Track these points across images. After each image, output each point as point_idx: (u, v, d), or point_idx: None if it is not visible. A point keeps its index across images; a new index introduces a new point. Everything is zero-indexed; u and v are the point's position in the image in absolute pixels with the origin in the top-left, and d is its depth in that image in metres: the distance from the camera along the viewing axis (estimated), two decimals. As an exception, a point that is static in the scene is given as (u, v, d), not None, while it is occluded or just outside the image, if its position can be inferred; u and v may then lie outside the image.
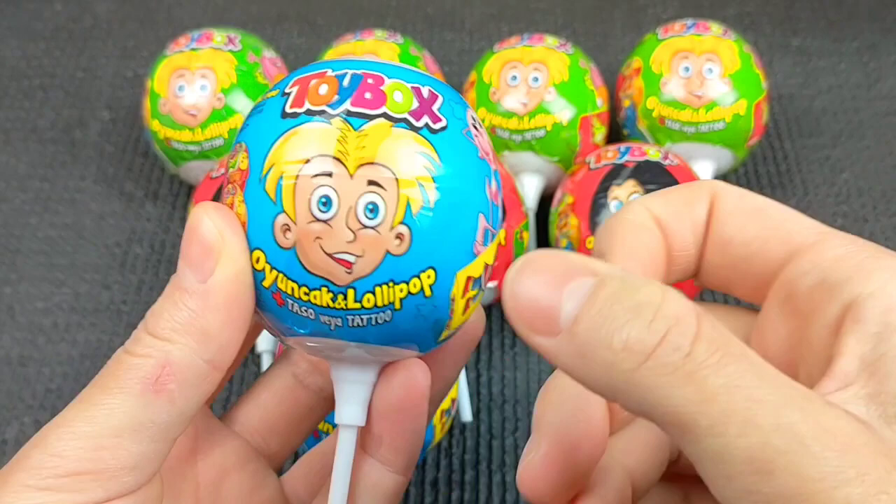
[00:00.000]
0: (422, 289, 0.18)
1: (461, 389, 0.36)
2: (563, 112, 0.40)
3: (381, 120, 0.17)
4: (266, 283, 0.18)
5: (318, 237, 0.17)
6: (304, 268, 0.18)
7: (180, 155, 0.41)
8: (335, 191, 0.17)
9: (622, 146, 0.38)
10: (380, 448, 0.21)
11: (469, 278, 0.18)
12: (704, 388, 0.13)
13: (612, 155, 0.38)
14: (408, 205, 0.17)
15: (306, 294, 0.18)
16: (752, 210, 0.19)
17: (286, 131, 0.17)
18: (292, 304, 0.18)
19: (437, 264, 0.18)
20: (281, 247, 0.17)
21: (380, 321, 0.18)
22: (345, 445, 0.20)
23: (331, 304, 0.18)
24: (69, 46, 0.53)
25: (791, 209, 0.19)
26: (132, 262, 0.42)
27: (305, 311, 0.18)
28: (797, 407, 0.14)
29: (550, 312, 0.15)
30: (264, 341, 0.36)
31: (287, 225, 0.17)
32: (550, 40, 0.43)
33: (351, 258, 0.17)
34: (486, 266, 0.19)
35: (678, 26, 0.43)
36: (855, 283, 0.16)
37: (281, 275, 0.18)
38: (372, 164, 0.17)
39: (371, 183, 0.17)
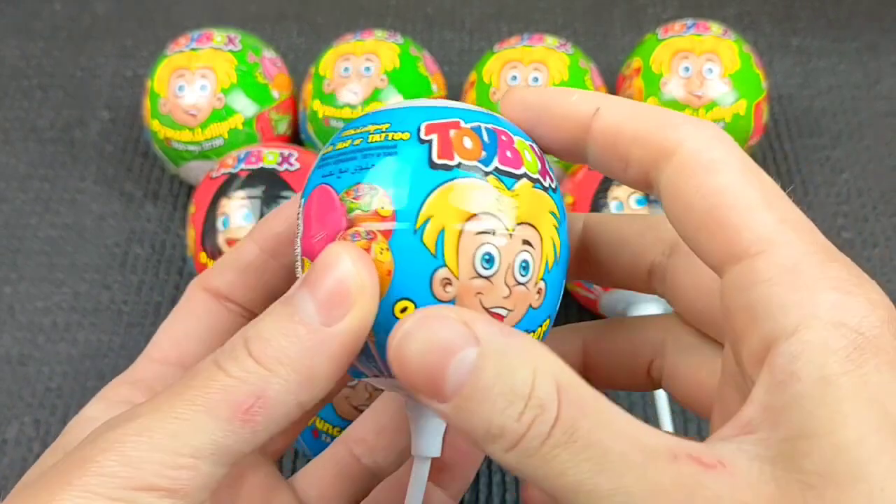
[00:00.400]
0: (540, 336, 0.20)
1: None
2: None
3: (525, 180, 0.18)
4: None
5: (479, 293, 0.18)
6: None
7: (180, 155, 0.41)
8: (497, 249, 0.18)
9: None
10: (442, 473, 0.21)
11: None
12: (555, 467, 0.15)
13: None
14: (546, 262, 0.19)
15: None
16: (709, 192, 0.17)
17: (442, 183, 0.17)
18: None
19: (551, 314, 0.20)
20: (438, 299, 0.18)
21: None
22: (420, 476, 0.19)
23: None
24: (68, 46, 0.53)
25: (761, 193, 0.17)
26: (132, 262, 0.42)
27: None
28: (635, 470, 0.14)
29: (438, 383, 0.15)
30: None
31: (448, 279, 0.17)
32: (550, 40, 0.43)
33: (504, 312, 0.18)
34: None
35: (678, 26, 0.43)
36: (777, 320, 0.15)
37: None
38: (524, 223, 0.18)
39: (525, 242, 0.18)
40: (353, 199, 0.18)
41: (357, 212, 0.17)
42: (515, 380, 0.15)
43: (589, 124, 0.18)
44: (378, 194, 0.17)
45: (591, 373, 0.23)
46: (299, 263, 0.19)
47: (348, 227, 0.17)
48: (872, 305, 0.15)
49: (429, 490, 0.21)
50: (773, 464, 0.14)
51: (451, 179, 0.17)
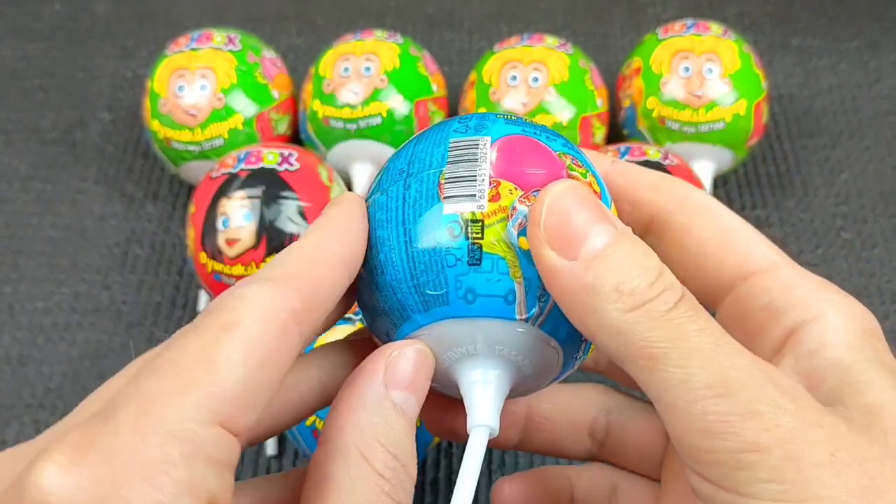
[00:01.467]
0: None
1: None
2: (562, 112, 0.40)
3: None
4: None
5: None
6: None
7: (180, 155, 0.41)
8: None
9: (622, 146, 0.38)
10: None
11: None
12: (678, 331, 0.16)
13: (611, 155, 0.38)
14: None
15: None
16: (718, 228, 0.21)
17: None
18: None
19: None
20: None
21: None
22: (478, 450, 0.19)
23: None
24: (68, 47, 0.53)
25: (754, 231, 0.21)
26: (132, 263, 0.42)
27: None
28: (750, 356, 0.17)
29: (576, 238, 0.17)
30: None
31: None
32: (550, 40, 0.43)
33: None
34: None
35: (678, 26, 0.43)
36: (798, 311, 0.19)
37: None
38: None
39: None
40: (573, 163, 0.20)
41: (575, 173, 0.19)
42: (648, 259, 0.17)
43: (606, 171, 0.22)
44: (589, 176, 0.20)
45: (533, 433, 0.25)
46: (485, 193, 0.19)
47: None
48: (865, 310, 0.19)
49: None
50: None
51: None
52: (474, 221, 0.18)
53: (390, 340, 0.19)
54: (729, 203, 0.44)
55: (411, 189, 0.19)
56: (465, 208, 0.18)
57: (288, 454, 0.36)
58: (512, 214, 0.18)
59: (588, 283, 0.17)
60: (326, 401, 0.21)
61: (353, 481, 0.17)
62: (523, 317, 0.18)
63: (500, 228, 0.18)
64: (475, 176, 0.19)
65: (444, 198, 0.18)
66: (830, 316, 0.19)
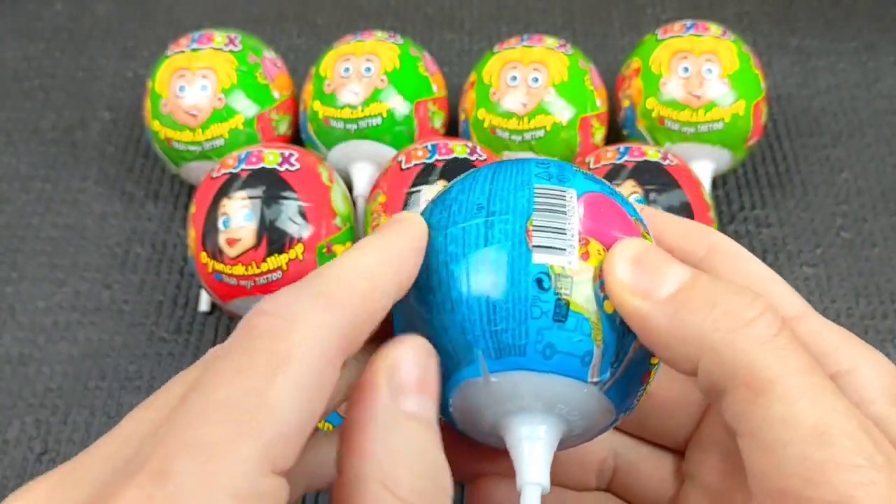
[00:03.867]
0: None
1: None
2: (562, 112, 0.41)
3: None
4: None
5: None
6: None
7: (181, 155, 0.41)
8: None
9: (621, 146, 0.38)
10: None
11: None
12: (786, 364, 0.16)
13: (611, 155, 0.38)
14: None
15: None
16: (745, 275, 0.21)
17: None
18: None
19: None
20: None
21: None
22: None
23: None
24: (69, 47, 0.53)
25: (779, 278, 0.21)
26: (133, 262, 0.42)
27: None
28: (846, 400, 0.16)
29: (654, 279, 0.17)
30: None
31: None
32: (550, 41, 0.43)
33: None
34: None
35: (677, 27, 0.43)
36: (831, 360, 0.19)
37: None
38: None
39: None
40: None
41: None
42: (737, 286, 0.17)
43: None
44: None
45: None
46: (575, 245, 0.18)
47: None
48: (889, 365, 0.19)
49: None
50: None
51: None
52: (564, 276, 0.18)
53: (443, 381, 0.19)
54: (728, 203, 0.45)
55: (495, 229, 0.18)
56: (556, 261, 0.18)
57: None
58: (600, 276, 0.18)
59: (676, 313, 0.17)
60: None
61: None
62: (595, 380, 0.18)
63: (586, 288, 0.18)
64: (565, 230, 0.18)
65: (534, 246, 0.18)
66: (864, 368, 0.18)
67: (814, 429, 0.15)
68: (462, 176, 0.20)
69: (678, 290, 0.17)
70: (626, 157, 0.37)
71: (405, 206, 0.35)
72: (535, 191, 0.19)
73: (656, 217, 0.22)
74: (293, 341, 0.15)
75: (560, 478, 0.24)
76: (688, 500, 0.23)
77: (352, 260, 0.17)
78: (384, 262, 0.17)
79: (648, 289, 0.17)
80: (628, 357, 0.19)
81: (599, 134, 0.42)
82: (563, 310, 0.18)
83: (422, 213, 0.20)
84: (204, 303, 0.40)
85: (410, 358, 0.17)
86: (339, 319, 0.16)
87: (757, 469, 0.16)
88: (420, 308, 0.19)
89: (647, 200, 0.36)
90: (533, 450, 0.18)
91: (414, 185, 0.36)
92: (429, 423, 0.16)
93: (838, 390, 0.16)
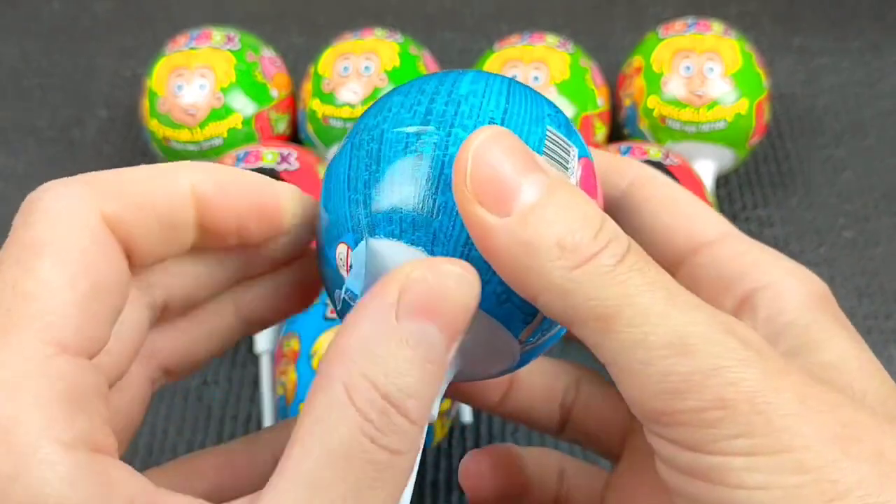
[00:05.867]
0: None
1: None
2: (563, 111, 0.40)
3: None
4: None
5: None
6: None
7: (179, 154, 0.41)
8: None
9: (623, 145, 0.38)
10: None
11: None
12: (629, 287, 0.15)
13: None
14: None
15: None
16: (668, 200, 0.21)
17: None
18: None
19: None
20: None
21: None
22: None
23: None
24: (67, 46, 0.53)
25: (701, 203, 0.21)
26: (130, 262, 0.42)
27: None
28: (708, 308, 0.16)
29: (507, 192, 0.15)
30: (262, 341, 0.36)
31: None
32: (551, 39, 0.43)
33: None
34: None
35: (679, 25, 0.43)
36: (751, 278, 0.19)
37: None
38: None
39: None
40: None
41: None
42: (588, 207, 0.16)
43: None
44: None
45: (512, 394, 0.24)
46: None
47: None
48: (817, 278, 0.19)
49: None
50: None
51: None
52: None
53: None
54: (730, 202, 0.44)
55: None
56: None
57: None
58: None
59: (526, 240, 0.15)
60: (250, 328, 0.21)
61: (332, 418, 0.14)
62: (522, 339, 0.18)
63: None
64: None
65: None
66: (785, 281, 0.19)
67: (670, 344, 0.15)
68: (472, 75, 0.19)
69: (530, 208, 0.15)
70: (627, 156, 0.37)
71: None
72: (547, 134, 0.18)
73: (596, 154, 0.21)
74: (42, 225, 0.15)
75: (530, 404, 0.24)
76: (636, 429, 0.23)
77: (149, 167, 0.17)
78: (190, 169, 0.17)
79: (497, 200, 0.15)
80: (558, 328, 0.19)
81: (601, 133, 0.42)
82: None
83: (415, 103, 0.18)
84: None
85: (432, 282, 0.15)
86: (88, 194, 0.16)
87: (628, 396, 0.16)
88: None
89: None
90: None
91: None
92: (424, 353, 0.15)
93: (697, 301, 0.16)
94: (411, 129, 0.17)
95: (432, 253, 0.17)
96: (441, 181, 0.17)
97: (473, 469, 0.24)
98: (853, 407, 0.16)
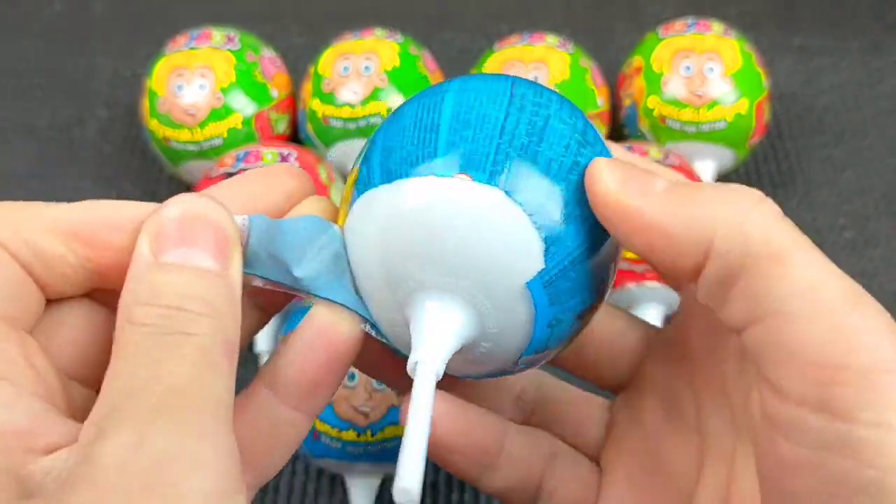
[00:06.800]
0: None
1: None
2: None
3: None
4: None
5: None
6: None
7: (179, 154, 0.41)
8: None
9: (623, 145, 0.38)
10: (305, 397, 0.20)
11: None
12: (799, 236, 0.16)
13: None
14: None
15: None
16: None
17: None
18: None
19: None
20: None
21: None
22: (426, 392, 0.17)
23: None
24: (67, 46, 0.53)
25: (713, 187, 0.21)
26: (130, 262, 0.42)
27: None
28: None
29: (644, 182, 0.17)
30: (262, 341, 0.36)
31: None
32: (551, 39, 0.43)
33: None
34: None
35: (679, 25, 0.43)
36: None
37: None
38: None
39: None
40: None
41: None
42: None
43: None
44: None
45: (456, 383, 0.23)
46: None
47: None
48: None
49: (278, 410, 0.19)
50: None
51: None
52: None
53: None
54: (730, 203, 0.44)
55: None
56: None
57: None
58: None
59: (686, 197, 0.16)
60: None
61: (123, 342, 0.16)
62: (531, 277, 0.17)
63: None
64: None
65: None
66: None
67: (846, 296, 0.15)
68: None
69: (671, 186, 0.17)
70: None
71: None
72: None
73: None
74: None
75: (477, 392, 0.23)
76: (622, 438, 0.22)
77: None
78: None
79: (639, 189, 0.17)
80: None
81: (601, 133, 0.42)
82: None
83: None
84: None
85: (168, 216, 0.17)
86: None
87: (783, 348, 0.15)
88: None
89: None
90: (439, 326, 0.17)
91: None
92: (193, 268, 0.16)
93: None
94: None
95: None
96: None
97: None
98: None
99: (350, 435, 0.30)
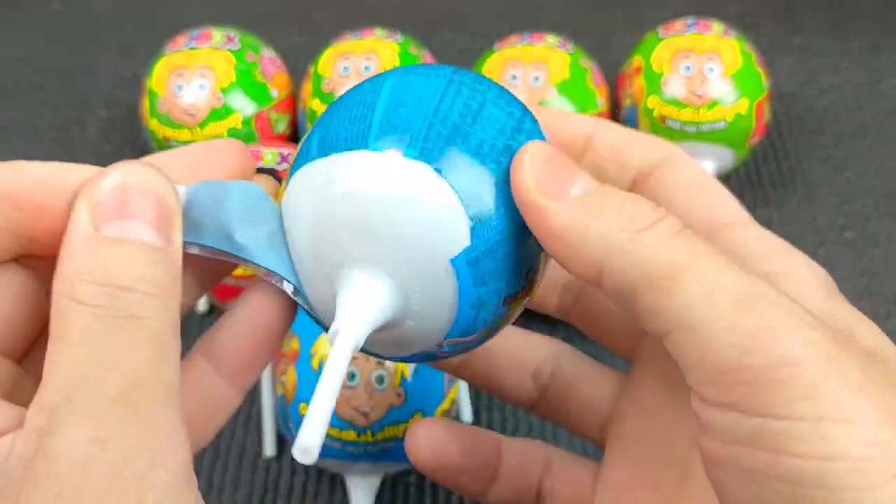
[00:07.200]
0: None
1: (461, 389, 0.36)
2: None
3: None
4: None
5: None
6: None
7: (179, 154, 0.41)
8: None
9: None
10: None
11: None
12: (696, 248, 0.16)
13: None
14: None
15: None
16: (691, 183, 0.21)
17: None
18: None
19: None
20: None
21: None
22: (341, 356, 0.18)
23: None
24: (67, 46, 0.53)
25: (723, 188, 0.22)
26: (130, 262, 0.42)
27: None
28: (759, 277, 0.16)
29: (565, 181, 0.17)
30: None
31: None
32: (551, 39, 0.43)
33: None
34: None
35: (679, 25, 0.43)
36: (766, 262, 0.19)
37: None
38: None
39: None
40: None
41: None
42: (639, 196, 0.17)
43: (591, 131, 0.22)
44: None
45: (474, 358, 0.24)
46: None
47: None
48: (823, 271, 0.20)
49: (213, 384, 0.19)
50: None
51: None
52: None
53: None
54: (730, 202, 0.44)
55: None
56: None
57: (287, 454, 0.36)
58: None
59: (589, 211, 0.17)
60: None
61: (70, 323, 0.15)
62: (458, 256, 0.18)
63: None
64: None
65: None
66: (801, 269, 0.19)
67: (738, 301, 0.15)
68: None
69: (585, 193, 0.17)
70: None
71: None
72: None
73: (614, 130, 0.22)
74: None
75: (496, 370, 0.24)
76: (624, 416, 0.23)
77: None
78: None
79: (556, 189, 0.17)
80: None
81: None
82: None
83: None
84: (202, 303, 0.40)
85: (108, 186, 0.16)
86: None
87: (690, 358, 0.16)
88: None
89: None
90: (363, 298, 0.17)
91: None
92: (137, 243, 0.16)
93: (748, 271, 0.16)
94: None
95: None
96: None
97: (424, 440, 0.24)
98: None
99: (350, 435, 0.30)
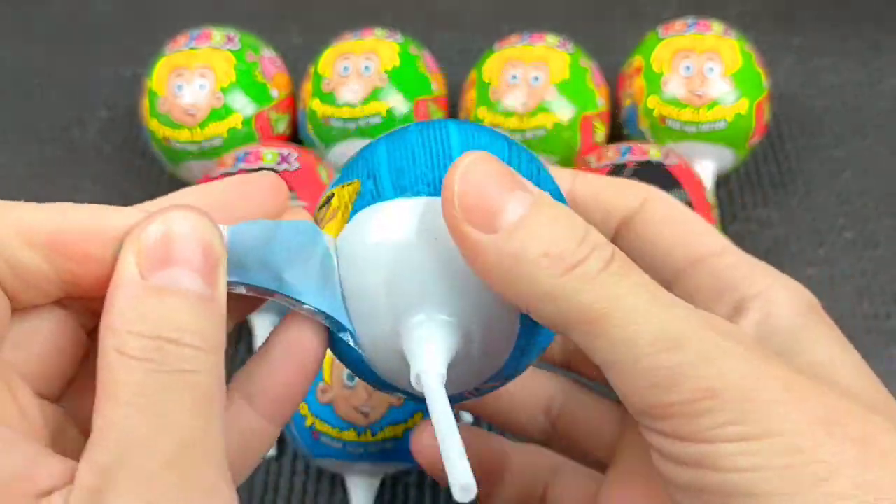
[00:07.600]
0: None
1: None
2: (563, 111, 0.40)
3: None
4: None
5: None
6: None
7: (179, 154, 0.41)
8: None
9: (623, 146, 0.38)
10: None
11: None
12: (615, 290, 0.16)
13: (612, 154, 0.38)
14: None
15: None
16: (669, 217, 0.22)
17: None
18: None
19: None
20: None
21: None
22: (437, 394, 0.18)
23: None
24: (67, 46, 0.53)
25: (702, 221, 0.22)
26: (130, 262, 0.42)
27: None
28: (686, 305, 0.17)
29: (494, 210, 0.16)
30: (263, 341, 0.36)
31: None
32: (551, 39, 0.43)
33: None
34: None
35: (679, 25, 0.43)
36: (744, 287, 0.20)
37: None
38: None
39: None
40: None
41: None
42: (572, 220, 0.17)
43: (571, 186, 0.23)
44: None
45: (490, 399, 0.24)
46: None
47: None
48: (807, 290, 0.21)
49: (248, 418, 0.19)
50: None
51: None
52: None
53: None
54: (730, 202, 0.44)
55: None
56: None
57: (287, 455, 0.36)
58: None
59: (513, 253, 0.16)
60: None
61: (120, 378, 0.15)
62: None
63: None
64: None
65: None
66: (775, 290, 0.20)
67: (657, 339, 0.16)
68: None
69: (515, 224, 0.16)
70: (627, 157, 0.37)
71: None
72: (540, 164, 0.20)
73: (593, 180, 0.23)
74: None
75: (511, 409, 0.25)
76: (624, 435, 0.23)
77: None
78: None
79: (485, 218, 0.16)
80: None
81: (601, 133, 0.42)
82: None
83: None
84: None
85: (155, 233, 0.16)
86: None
87: (623, 393, 0.17)
88: None
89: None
90: (435, 338, 0.17)
91: None
92: (184, 293, 0.16)
93: (675, 299, 0.17)
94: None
95: None
96: None
97: (427, 445, 0.25)
98: (836, 395, 0.16)
99: (350, 435, 0.30)
